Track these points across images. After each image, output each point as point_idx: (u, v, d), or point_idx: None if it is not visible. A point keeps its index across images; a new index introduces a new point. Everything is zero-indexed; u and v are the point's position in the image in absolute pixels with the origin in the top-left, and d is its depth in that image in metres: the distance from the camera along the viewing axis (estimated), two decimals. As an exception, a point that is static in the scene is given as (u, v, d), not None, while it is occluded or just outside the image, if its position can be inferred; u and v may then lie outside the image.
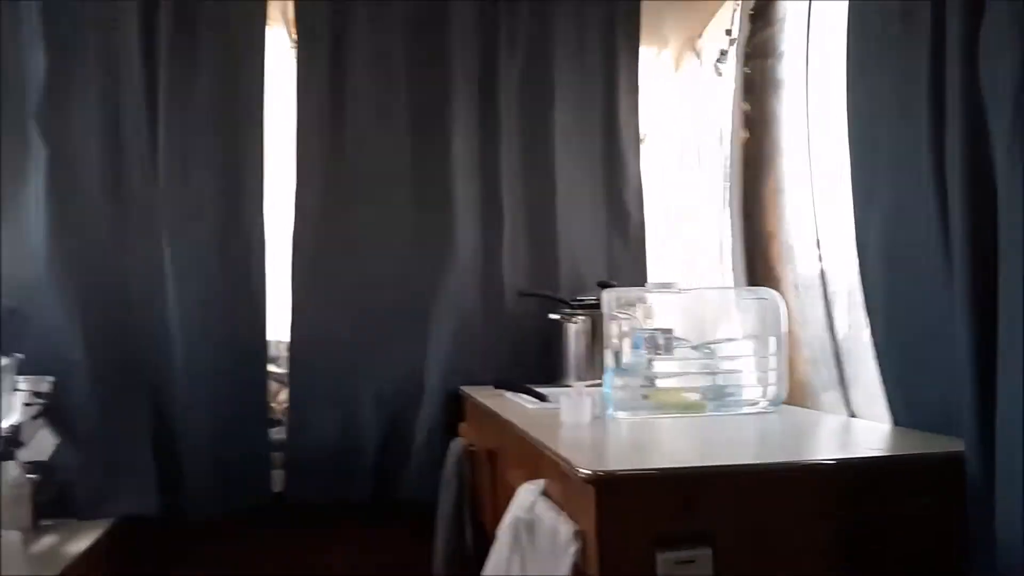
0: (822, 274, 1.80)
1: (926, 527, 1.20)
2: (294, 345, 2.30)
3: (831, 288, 1.77)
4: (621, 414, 1.68)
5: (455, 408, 2.31)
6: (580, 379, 2.20)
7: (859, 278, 1.53)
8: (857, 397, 1.69)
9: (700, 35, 2.53)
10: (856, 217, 1.53)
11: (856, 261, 1.54)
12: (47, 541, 1.94)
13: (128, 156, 2.19)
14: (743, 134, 2.17)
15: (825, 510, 1.18)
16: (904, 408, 1.46)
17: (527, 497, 1.36)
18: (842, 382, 1.73)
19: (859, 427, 1.60)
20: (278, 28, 2.37)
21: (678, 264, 2.63)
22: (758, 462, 1.27)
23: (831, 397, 1.78)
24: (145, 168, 2.20)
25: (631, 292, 1.86)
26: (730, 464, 1.23)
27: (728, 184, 2.22)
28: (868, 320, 1.52)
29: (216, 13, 2.24)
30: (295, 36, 2.33)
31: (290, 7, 2.33)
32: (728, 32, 2.23)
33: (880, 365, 1.50)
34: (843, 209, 1.61)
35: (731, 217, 2.20)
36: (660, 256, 2.61)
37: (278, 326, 2.33)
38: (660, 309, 1.86)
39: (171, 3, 2.20)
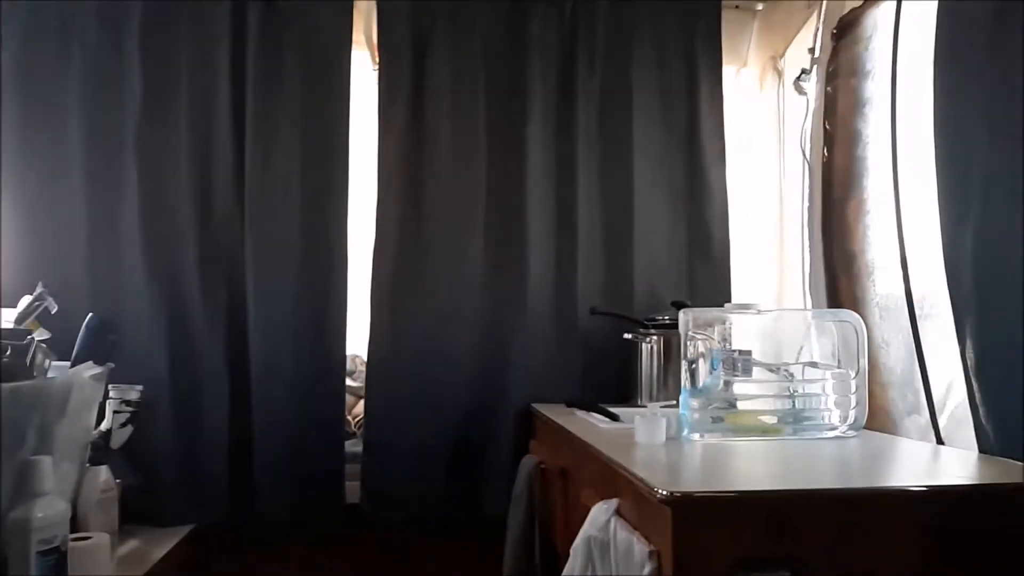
0: (908, 295, 1.74)
1: (1015, 560, 1.15)
2: (371, 361, 2.33)
3: (918, 310, 1.72)
4: (696, 436, 1.66)
5: (526, 425, 2.32)
6: (652, 399, 2.18)
7: (949, 301, 1.49)
8: (944, 423, 1.63)
9: (782, 55, 2.50)
10: (945, 239, 1.49)
11: (945, 282, 1.49)
12: (131, 544, 2.01)
13: (215, 176, 2.27)
14: (823, 153, 2.14)
15: (909, 538, 1.14)
16: (993, 435, 1.40)
17: (601, 516, 1.35)
18: (930, 407, 1.67)
19: (943, 454, 1.54)
20: (360, 51, 2.43)
21: (763, 285, 2.58)
22: (840, 486, 1.24)
23: (914, 422, 1.72)
24: (231, 188, 2.28)
25: (708, 312, 1.83)
26: (811, 488, 1.21)
27: (807, 204, 2.18)
28: (958, 343, 1.47)
29: (303, 36, 2.31)
30: (377, 59, 2.39)
31: (373, 31, 2.39)
32: (811, 51, 2.20)
33: (969, 389, 1.45)
34: (932, 229, 1.56)
35: (809, 237, 2.16)
36: (745, 277, 2.56)
37: (353, 340, 2.37)
38: (738, 330, 1.83)
39: (259, 27, 2.27)
